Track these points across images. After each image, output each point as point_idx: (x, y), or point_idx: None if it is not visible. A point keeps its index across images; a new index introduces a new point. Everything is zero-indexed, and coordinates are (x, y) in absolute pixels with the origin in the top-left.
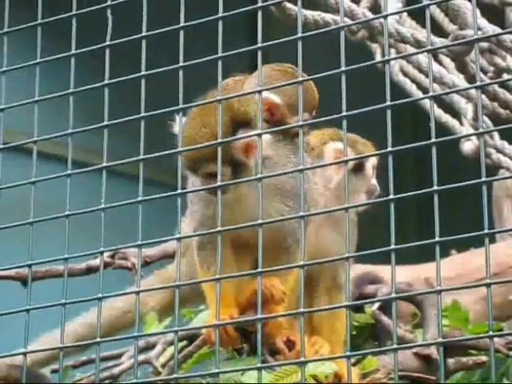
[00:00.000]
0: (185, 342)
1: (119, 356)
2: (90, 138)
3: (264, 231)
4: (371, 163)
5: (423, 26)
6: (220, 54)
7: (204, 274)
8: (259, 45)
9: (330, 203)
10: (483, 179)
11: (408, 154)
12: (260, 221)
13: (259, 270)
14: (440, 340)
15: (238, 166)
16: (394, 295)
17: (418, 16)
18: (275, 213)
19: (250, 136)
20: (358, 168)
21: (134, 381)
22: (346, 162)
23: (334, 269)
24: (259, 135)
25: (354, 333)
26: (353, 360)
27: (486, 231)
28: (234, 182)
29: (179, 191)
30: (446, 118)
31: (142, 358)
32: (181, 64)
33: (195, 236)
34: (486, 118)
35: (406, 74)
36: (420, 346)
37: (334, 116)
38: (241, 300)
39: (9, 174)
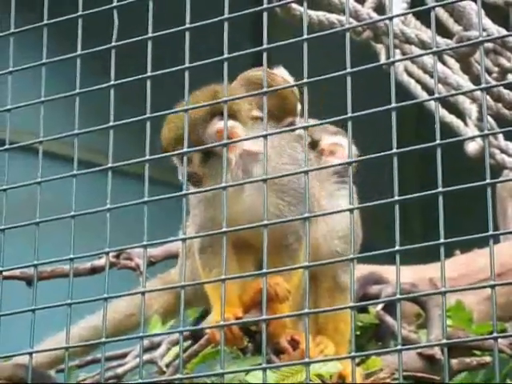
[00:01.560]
0: (189, 342)
1: (124, 356)
2: (95, 137)
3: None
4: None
5: (428, 26)
6: (225, 56)
7: (206, 277)
8: (265, 46)
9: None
10: (488, 181)
11: (412, 153)
12: (265, 221)
13: (264, 270)
14: (445, 341)
15: (210, 154)
16: (398, 296)
17: (423, 16)
18: (272, 208)
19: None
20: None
21: (140, 381)
22: (351, 163)
23: (333, 269)
24: (264, 137)
25: (358, 333)
26: (357, 360)
27: (491, 233)
28: (238, 184)
29: (184, 192)
30: (451, 118)
31: (146, 357)
32: (186, 65)
33: (200, 237)
34: (490, 119)
35: (410, 74)
36: (425, 346)
37: (340, 117)
38: (245, 299)
39: (15, 174)
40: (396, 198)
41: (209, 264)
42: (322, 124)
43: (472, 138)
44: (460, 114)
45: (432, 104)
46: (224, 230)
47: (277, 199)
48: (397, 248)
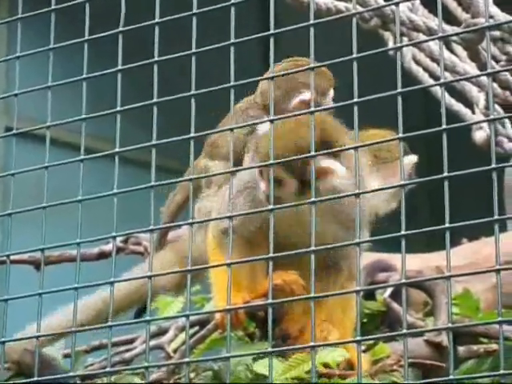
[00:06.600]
0: (196, 328)
1: (131, 342)
2: (99, 124)
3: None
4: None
5: (436, 14)
6: (232, 41)
7: (216, 259)
8: (271, 31)
9: None
10: (493, 166)
11: (419, 142)
12: (271, 206)
13: (271, 255)
14: (450, 325)
15: (305, 184)
16: (404, 281)
17: (430, 5)
18: (330, 234)
19: None
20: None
21: (146, 364)
22: (357, 148)
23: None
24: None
25: (365, 320)
26: (363, 347)
27: (496, 217)
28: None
29: (191, 176)
30: (459, 107)
31: (154, 343)
32: (193, 50)
33: (207, 221)
34: (497, 107)
35: (418, 63)
36: (430, 331)
37: (346, 103)
38: (258, 290)
39: (23, 162)
40: (402, 182)
41: (226, 247)
42: (329, 109)
43: (479, 125)
44: (468, 103)
45: (439, 92)
46: (229, 214)
47: (338, 231)
48: (403, 233)
